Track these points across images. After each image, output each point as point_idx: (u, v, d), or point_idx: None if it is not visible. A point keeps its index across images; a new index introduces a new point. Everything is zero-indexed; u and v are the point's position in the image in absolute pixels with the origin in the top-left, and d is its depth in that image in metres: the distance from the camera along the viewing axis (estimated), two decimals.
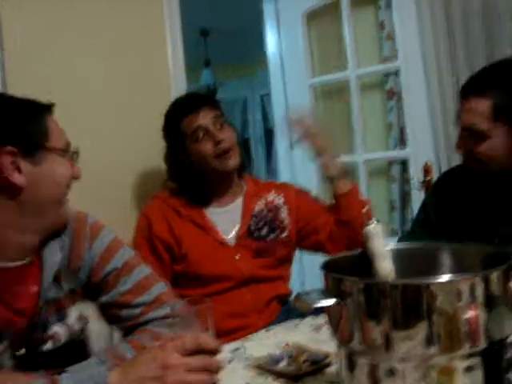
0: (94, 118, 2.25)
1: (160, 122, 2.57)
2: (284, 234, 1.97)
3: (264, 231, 1.95)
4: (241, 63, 6.47)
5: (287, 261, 2.02)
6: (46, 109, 1.21)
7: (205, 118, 1.90)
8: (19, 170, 1.11)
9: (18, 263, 1.17)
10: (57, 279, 1.21)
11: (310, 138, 1.94)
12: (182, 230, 1.89)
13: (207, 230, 1.91)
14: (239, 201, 2.00)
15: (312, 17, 3.43)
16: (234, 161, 1.93)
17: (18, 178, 1.11)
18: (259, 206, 1.99)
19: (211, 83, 6.17)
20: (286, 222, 1.99)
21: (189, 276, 1.87)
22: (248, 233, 1.94)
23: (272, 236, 1.96)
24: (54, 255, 1.22)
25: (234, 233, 1.93)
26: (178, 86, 2.67)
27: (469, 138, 1.55)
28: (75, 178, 1.23)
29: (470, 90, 1.55)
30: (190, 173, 1.95)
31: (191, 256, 1.86)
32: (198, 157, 1.91)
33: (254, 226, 1.95)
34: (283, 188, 2.09)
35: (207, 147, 1.89)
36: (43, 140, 1.15)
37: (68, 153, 1.21)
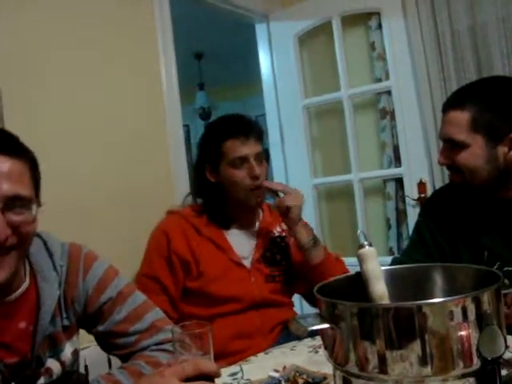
0: (89, 140, 2.27)
1: (154, 145, 2.60)
2: (292, 262, 2.00)
3: (277, 257, 1.98)
4: (235, 85, 6.52)
5: (293, 288, 2.04)
6: None
7: (251, 149, 1.89)
8: None
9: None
10: (53, 315, 1.20)
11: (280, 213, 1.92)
12: (201, 248, 1.89)
13: (225, 251, 1.91)
14: (257, 226, 2.02)
15: (304, 38, 3.48)
16: (261, 198, 1.96)
17: None
18: (274, 233, 2.01)
19: (206, 106, 6.22)
20: (292, 249, 2.01)
21: (202, 294, 1.87)
22: (262, 258, 1.95)
23: (284, 263, 1.98)
24: (52, 292, 1.21)
25: (250, 256, 1.95)
26: (173, 109, 2.71)
27: (449, 149, 1.58)
28: None
29: (451, 104, 1.59)
30: (215, 192, 1.95)
31: (208, 274, 1.86)
32: (229, 181, 1.91)
33: (269, 252, 1.97)
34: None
35: (242, 177, 1.88)
36: None
37: None
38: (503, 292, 0.86)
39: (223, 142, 1.90)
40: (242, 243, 1.96)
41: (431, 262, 1.52)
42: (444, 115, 1.60)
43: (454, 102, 1.58)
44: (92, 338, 1.35)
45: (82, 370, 1.40)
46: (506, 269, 1.47)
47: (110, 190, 2.29)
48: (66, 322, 1.24)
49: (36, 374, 1.17)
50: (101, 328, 1.28)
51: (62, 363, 1.22)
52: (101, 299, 1.27)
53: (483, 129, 1.51)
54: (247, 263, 1.93)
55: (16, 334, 1.16)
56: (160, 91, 2.65)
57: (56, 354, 1.21)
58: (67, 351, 1.24)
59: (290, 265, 1.99)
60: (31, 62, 2.12)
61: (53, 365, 1.20)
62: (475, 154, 1.52)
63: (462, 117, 1.53)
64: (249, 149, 1.89)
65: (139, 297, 1.34)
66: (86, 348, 1.53)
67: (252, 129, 1.93)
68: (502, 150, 1.51)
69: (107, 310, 1.28)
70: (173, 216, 1.97)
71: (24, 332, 1.17)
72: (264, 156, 1.96)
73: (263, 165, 1.94)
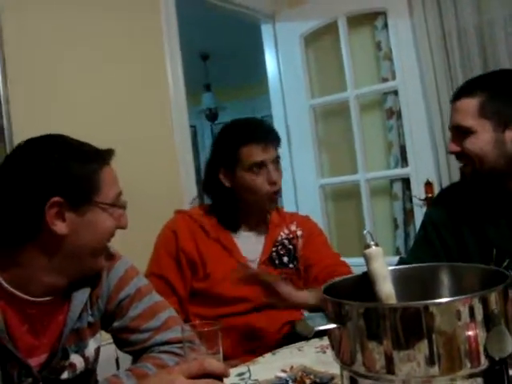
0: (94, 143, 2.27)
1: (161, 147, 2.60)
2: (299, 265, 1.99)
3: (285, 259, 1.97)
4: (241, 86, 6.53)
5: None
6: (102, 159, 1.19)
7: (268, 155, 1.87)
8: (63, 219, 1.11)
9: (50, 298, 1.19)
10: (81, 310, 1.23)
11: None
12: (208, 249, 1.88)
13: (233, 253, 1.91)
14: (264, 228, 2.02)
15: (310, 39, 3.48)
16: (276, 203, 1.98)
17: (60, 227, 1.11)
18: (282, 235, 2.01)
19: (212, 106, 6.23)
20: (299, 253, 2.00)
21: (209, 295, 1.87)
22: (269, 260, 1.95)
23: (292, 265, 1.97)
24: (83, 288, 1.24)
25: (256, 259, 1.94)
26: (179, 110, 2.71)
27: (458, 137, 1.59)
28: (122, 228, 1.22)
29: (460, 92, 1.60)
30: (227, 195, 1.94)
31: (215, 276, 1.86)
32: (246, 186, 1.89)
33: (276, 253, 1.96)
34: (305, 222, 2.10)
35: (260, 182, 1.87)
36: (92, 194, 1.14)
37: (115, 206, 1.19)
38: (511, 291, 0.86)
39: (241, 147, 1.87)
40: (249, 246, 1.95)
41: (437, 261, 1.51)
42: (453, 104, 1.61)
43: (463, 91, 1.60)
44: (102, 337, 1.36)
45: None
46: None
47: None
48: (90, 319, 1.26)
49: (61, 367, 1.19)
50: (116, 324, 1.30)
51: (86, 359, 1.24)
52: (120, 296, 1.30)
53: (491, 115, 1.52)
54: (254, 266, 1.93)
55: (55, 328, 1.19)
56: (166, 92, 2.66)
57: (80, 349, 1.23)
58: (91, 347, 1.26)
59: (298, 267, 1.99)
60: (37, 62, 2.13)
61: (77, 360, 1.22)
62: (483, 139, 1.53)
63: (470, 103, 1.54)
64: (268, 155, 1.87)
65: (156, 296, 1.37)
66: None
67: (271, 134, 1.92)
68: (510, 135, 1.52)
69: (125, 307, 1.30)
70: (181, 215, 1.96)
71: (60, 324, 1.20)
72: (280, 161, 1.96)
73: (279, 170, 1.94)
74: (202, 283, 1.87)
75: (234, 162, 1.89)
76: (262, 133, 1.90)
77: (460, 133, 1.58)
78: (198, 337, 1.00)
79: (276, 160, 1.91)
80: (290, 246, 1.99)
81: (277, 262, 1.95)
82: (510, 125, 1.52)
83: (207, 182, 2.01)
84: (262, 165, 1.87)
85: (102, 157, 1.20)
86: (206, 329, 0.99)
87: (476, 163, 1.57)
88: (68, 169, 1.12)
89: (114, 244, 1.32)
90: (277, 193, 1.92)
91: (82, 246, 1.15)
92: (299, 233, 2.04)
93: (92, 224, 1.15)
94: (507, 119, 1.52)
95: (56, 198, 1.09)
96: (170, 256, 1.88)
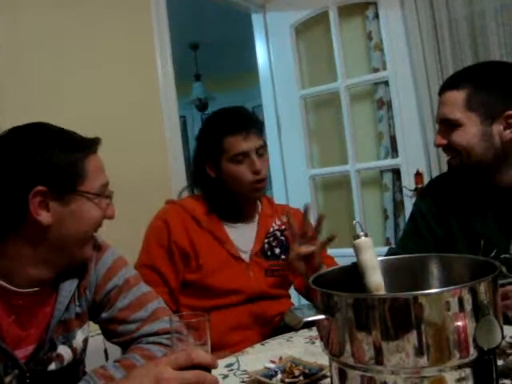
0: (84, 133, 2.25)
1: (151, 137, 2.59)
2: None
3: (277, 251, 1.96)
4: (231, 76, 6.49)
5: (291, 280, 2.03)
6: (88, 148, 1.18)
7: (252, 144, 1.86)
8: (47, 208, 1.10)
9: (37, 289, 1.18)
10: (69, 301, 1.22)
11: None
12: (200, 240, 1.87)
13: (224, 244, 1.90)
14: (255, 219, 2.00)
15: (301, 28, 3.47)
16: (263, 191, 1.95)
17: (44, 217, 1.10)
18: (274, 226, 2.00)
19: (202, 97, 6.19)
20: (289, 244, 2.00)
21: (200, 286, 1.85)
22: (261, 251, 1.94)
23: (283, 256, 1.96)
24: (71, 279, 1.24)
25: (248, 250, 1.93)
26: (169, 101, 2.69)
27: (445, 130, 1.60)
28: (109, 218, 1.21)
29: (447, 85, 1.61)
30: (215, 186, 1.93)
31: (207, 267, 1.85)
32: (231, 177, 1.88)
33: (268, 245, 1.96)
34: (295, 214, 2.10)
35: (245, 172, 1.86)
36: (76, 183, 1.13)
37: (101, 195, 1.18)
38: (500, 282, 0.86)
39: (223, 138, 1.86)
40: (241, 237, 1.94)
41: (426, 251, 1.52)
42: (440, 97, 1.62)
43: (449, 84, 1.60)
44: (91, 328, 1.35)
45: None
46: (502, 256, 1.47)
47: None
48: (78, 310, 1.25)
49: (48, 359, 1.19)
50: (104, 315, 1.30)
51: (74, 350, 1.24)
52: (108, 286, 1.29)
53: (478, 107, 1.53)
54: (246, 257, 1.92)
55: (42, 319, 1.19)
56: (156, 83, 2.64)
57: (68, 340, 1.23)
58: (79, 338, 1.26)
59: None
60: (27, 58, 2.10)
61: (64, 351, 1.22)
62: (470, 132, 1.54)
63: (457, 96, 1.55)
64: (250, 144, 1.85)
65: (144, 287, 1.36)
66: None
67: (252, 123, 1.90)
68: (497, 128, 1.53)
69: (112, 297, 1.29)
70: (173, 206, 1.94)
71: (48, 315, 1.19)
72: (265, 149, 1.94)
73: (264, 158, 1.92)
74: (194, 274, 1.86)
75: (218, 154, 1.88)
76: (244, 123, 1.88)
77: (447, 126, 1.58)
78: (185, 327, 0.99)
79: (260, 149, 1.89)
80: (282, 238, 1.99)
81: (269, 253, 1.95)
82: (496, 118, 1.52)
83: (195, 175, 2.01)
84: (245, 154, 1.85)
85: (88, 145, 1.18)
86: (193, 319, 0.99)
87: (463, 156, 1.57)
88: (52, 157, 1.10)
89: (103, 234, 1.31)
90: (261, 181, 1.90)
91: (68, 236, 1.14)
92: None
93: (77, 214, 1.14)
94: (494, 112, 1.52)
95: (39, 187, 1.08)
96: (162, 247, 1.86)
